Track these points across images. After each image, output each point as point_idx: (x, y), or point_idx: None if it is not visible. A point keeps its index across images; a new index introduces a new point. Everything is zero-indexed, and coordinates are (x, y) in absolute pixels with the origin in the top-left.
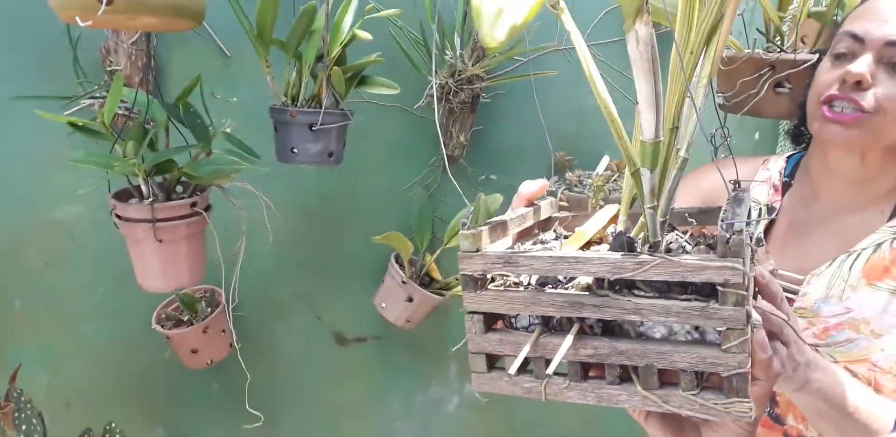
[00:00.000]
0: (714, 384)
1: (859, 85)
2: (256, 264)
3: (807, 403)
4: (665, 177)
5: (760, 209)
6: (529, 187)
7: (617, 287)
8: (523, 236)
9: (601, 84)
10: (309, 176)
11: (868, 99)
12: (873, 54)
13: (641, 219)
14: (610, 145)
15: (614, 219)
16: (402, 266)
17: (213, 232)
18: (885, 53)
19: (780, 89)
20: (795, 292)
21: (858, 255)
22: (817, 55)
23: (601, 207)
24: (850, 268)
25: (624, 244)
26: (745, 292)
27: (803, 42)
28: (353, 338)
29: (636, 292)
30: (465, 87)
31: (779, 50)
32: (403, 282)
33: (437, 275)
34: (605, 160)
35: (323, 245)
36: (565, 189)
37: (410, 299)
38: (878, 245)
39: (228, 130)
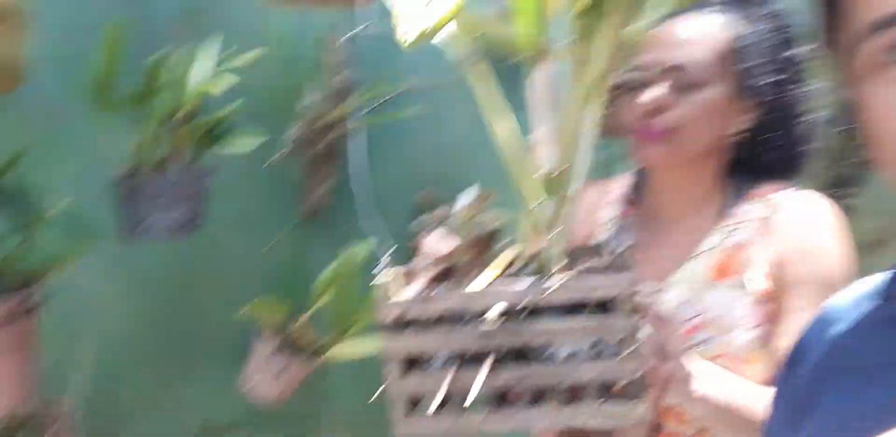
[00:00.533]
0: (616, 393)
1: (654, 111)
2: (106, 358)
3: (697, 410)
4: (562, 207)
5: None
6: (436, 247)
7: (524, 315)
8: (436, 277)
9: (502, 120)
10: (161, 249)
11: (666, 121)
12: (656, 82)
13: (540, 249)
14: (480, 181)
15: (516, 254)
16: (271, 335)
17: (47, 331)
18: (664, 78)
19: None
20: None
21: (703, 257)
22: None
23: (473, 238)
24: (698, 271)
25: (529, 274)
26: (635, 303)
27: None
28: (222, 427)
29: (542, 317)
30: (326, 133)
31: None
32: (274, 353)
33: (309, 338)
34: (471, 192)
35: (182, 325)
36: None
37: (283, 370)
38: (717, 245)
39: (60, 209)
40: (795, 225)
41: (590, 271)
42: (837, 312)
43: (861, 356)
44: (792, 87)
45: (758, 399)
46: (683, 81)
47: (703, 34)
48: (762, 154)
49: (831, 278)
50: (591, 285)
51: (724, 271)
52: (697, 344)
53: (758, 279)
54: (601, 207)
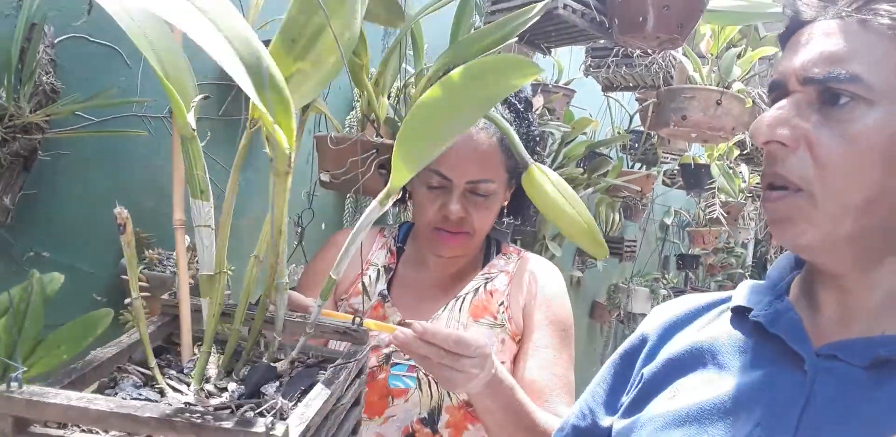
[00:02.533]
0: None
1: (461, 220)
2: None
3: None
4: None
5: (379, 270)
6: None
7: None
8: None
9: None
10: None
11: (468, 226)
12: (458, 191)
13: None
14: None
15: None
16: None
17: None
18: (466, 188)
19: (382, 171)
20: None
21: (463, 299)
22: None
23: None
24: (460, 310)
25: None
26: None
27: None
28: None
29: None
30: (19, 136)
31: (381, 136)
32: None
33: None
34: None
35: None
36: (144, 268)
37: None
38: (476, 289)
39: None
40: (538, 280)
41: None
42: (680, 319)
43: (713, 351)
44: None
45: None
46: (478, 193)
47: (486, 145)
48: (512, 215)
49: (566, 321)
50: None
51: (480, 311)
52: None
53: (508, 321)
54: (369, 250)
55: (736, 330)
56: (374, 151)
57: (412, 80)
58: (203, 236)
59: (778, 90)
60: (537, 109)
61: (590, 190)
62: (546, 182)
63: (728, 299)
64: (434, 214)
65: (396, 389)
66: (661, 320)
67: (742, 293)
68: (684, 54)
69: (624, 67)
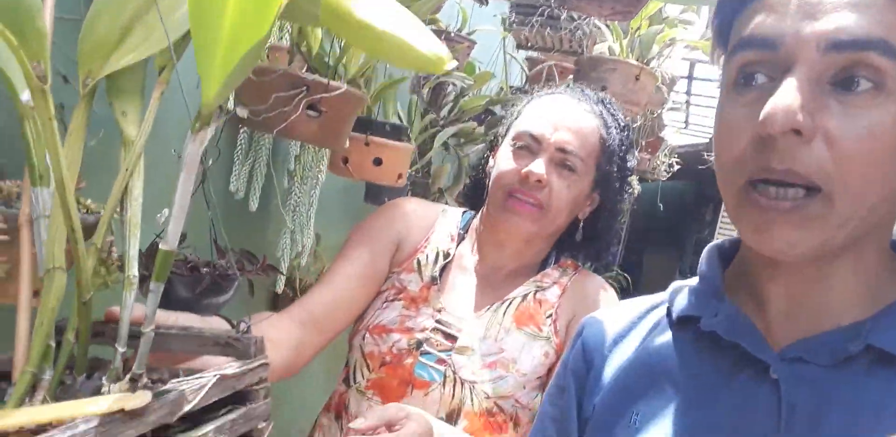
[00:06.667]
0: None
1: (539, 183)
2: None
3: None
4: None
5: (438, 252)
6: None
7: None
8: None
9: None
10: None
11: (544, 196)
12: (547, 155)
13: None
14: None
15: None
16: None
17: None
18: (555, 156)
19: (310, 112)
20: (459, 331)
21: (510, 303)
22: (345, 86)
23: None
24: (504, 313)
25: None
26: (269, 384)
27: (345, 68)
28: None
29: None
30: None
31: (316, 71)
32: None
33: None
34: None
35: None
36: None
37: None
38: (525, 296)
39: None
40: (590, 298)
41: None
42: (619, 335)
43: (667, 370)
44: (622, 192)
45: None
46: (565, 164)
47: (588, 128)
48: (585, 238)
49: None
50: (234, 373)
51: (526, 319)
52: (490, 380)
53: (555, 334)
54: (430, 229)
55: (684, 342)
56: (305, 88)
57: None
58: (42, 228)
59: (761, 50)
60: None
61: (482, 145)
62: None
63: (661, 303)
64: (513, 174)
65: (420, 379)
66: (599, 339)
67: (682, 300)
68: (607, 25)
69: (549, 29)
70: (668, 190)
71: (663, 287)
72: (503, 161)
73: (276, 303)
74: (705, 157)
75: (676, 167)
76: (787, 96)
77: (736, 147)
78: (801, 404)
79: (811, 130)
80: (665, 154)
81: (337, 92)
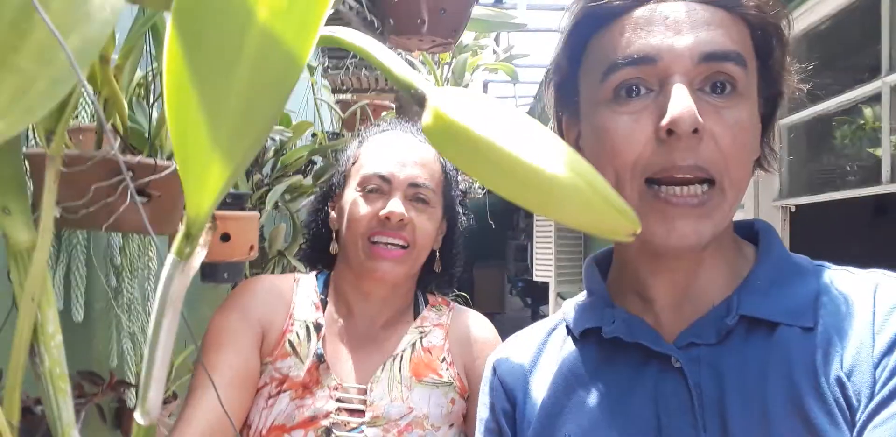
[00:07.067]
0: None
1: (401, 222)
2: None
3: None
4: None
5: (308, 326)
6: None
7: None
8: None
9: None
10: None
11: (408, 235)
12: (400, 193)
13: None
14: None
15: None
16: None
17: None
18: (408, 192)
19: (140, 198)
20: (364, 403)
21: (401, 357)
22: (173, 164)
23: None
24: (400, 370)
25: None
26: None
27: (161, 142)
28: None
29: None
30: None
31: (134, 149)
32: None
33: None
34: None
35: None
36: None
37: None
38: (413, 345)
39: None
40: (473, 335)
41: None
42: (531, 365)
43: (584, 386)
44: (464, 215)
45: None
46: (419, 197)
47: (430, 158)
48: (443, 268)
49: None
50: None
51: (423, 369)
52: None
53: (456, 379)
54: (290, 303)
55: (591, 353)
56: (130, 172)
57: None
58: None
59: (642, 65)
60: None
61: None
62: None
63: (556, 325)
64: (371, 219)
65: None
66: (514, 375)
67: (578, 316)
68: (420, 60)
69: (364, 69)
70: (480, 206)
71: (497, 298)
72: (354, 208)
73: (122, 416)
74: None
75: None
76: (685, 100)
77: (633, 150)
78: (704, 382)
79: (703, 128)
80: None
81: (167, 171)
